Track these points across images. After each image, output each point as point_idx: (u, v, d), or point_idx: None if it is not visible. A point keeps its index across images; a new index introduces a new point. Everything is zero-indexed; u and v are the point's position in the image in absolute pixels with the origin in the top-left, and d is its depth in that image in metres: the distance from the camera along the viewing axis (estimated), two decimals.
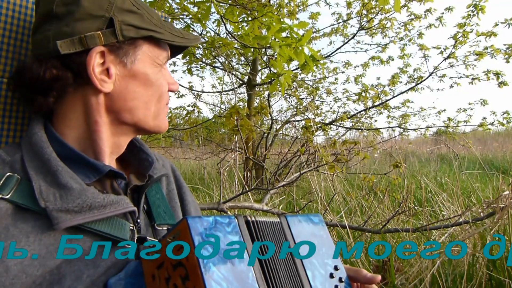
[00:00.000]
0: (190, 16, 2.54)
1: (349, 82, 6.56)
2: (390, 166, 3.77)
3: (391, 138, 6.35)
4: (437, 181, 4.36)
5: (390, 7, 5.09)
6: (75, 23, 0.63)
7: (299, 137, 4.81)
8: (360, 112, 5.74)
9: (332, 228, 2.42)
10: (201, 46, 3.92)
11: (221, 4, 2.25)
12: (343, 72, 6.52)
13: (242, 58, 5.82)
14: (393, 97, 5.80)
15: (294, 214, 0.82)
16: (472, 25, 4.44)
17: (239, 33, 2.68)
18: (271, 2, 4.42)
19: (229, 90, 6.59)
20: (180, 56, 3.70)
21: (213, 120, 6.95)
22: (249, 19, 2.27)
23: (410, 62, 7.05)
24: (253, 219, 0.59)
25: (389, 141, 6.21)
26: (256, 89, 5.41)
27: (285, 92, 4.88)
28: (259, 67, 5.47)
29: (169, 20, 1.04)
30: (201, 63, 5.29)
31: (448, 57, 4.92)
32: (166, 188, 0.82)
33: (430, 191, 3.37)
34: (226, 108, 6.87)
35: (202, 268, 0.48)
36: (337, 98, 6.34)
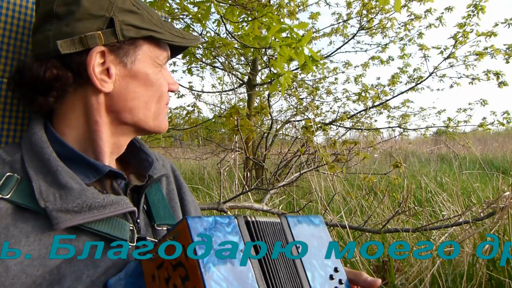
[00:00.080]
0: (190, 16, 2.54)
1: (349, 82, 6.57)
2: (390, 166, 3.78)
3: (391, 138, 6.36)
4: (437, 181, 4.36)
5: (390, 7, 5.09)
6: (75, 23, 0.63)
7: (299, 137, 4.81)
8: (360, 112, 5.75)
9: (332, 228, 2.42)
10: (201, 46, 3.92)
11: (221, 4, 2.25)
12: (343, 72, 6.53)
13: (242, 58, 5.82)
14: (393, 97, 5.81)
15: (294, 214, 0.82)
16: (472, 25, 4.45)
17: (239, 33, 2.68)
18: (271, 2, 4.42)
19: (229, 90, 6.60)
20: (180, 56, 3.70)
21: (213, 120, 6.95)
22: (249, 19, 2.27)
23: (410, 62, 7.07)
24: (253, 219, 0.59)
25: (389, 141, 6.21)
26: (256, 89, 5.41)
27: (285, 92, 4.88)
28: (259, 67, 5.47)
29: (169, 20, 1.04)
30: (201, 63, 5.30)
31: (448, 57, 4.93)
32: (166, 188, 0.82)
33: (430, 191, 3.37)
34: (226, 108, 6.87)
35: (202, 268, 0.48)
36: (337, 98, 6.34)
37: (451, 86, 5.50)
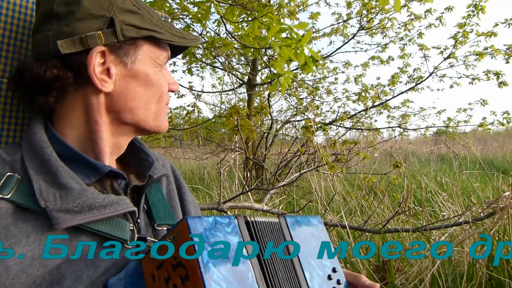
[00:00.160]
0: (190, 16, 2.54)
1: (349, 82, 6.57)
2: (390, 166, 3.78)
3: (391, 138, 6.36)
4: (437, 181, 4.36)
5: (390, 7, 5.09)
6: (75, 23, 0.63)
7: (299, 137, 4.81)
8: (360, 112, 5.75)
9: (332, 228, 2.43)
10: (201, 46, 3.92)
11: (221, 4, 2.25)
12: (343, 72, 6.53)
13: (242, 58, 5.82)
14: (393, 97, 5.81)
15: (294, 214, 0.83)
16: (472, 25, 4.45)
17: (239, 33, 2.68)
18: (271, 2, 4.42)
19: (229, 90, 6.60)
20: (180, 56, 3.70)
21: (213, 120, 6.96)
22: (249, 19, 2.27)
23: (410, 62, 7.06)
24: (253, 219, 0.59)
25: (389, 141, 6.22)
26: (256, 89, 5.41)
27: (285, 92, 4.88)
28: (259, 67, 5.47)
29: (169, 20, 1.04)
30: (201, 63, 5.30)
31: (448, 57, 4.93)
32: (166, 188, 0.82)
33: (430, 191, 3.37)
34: (226, 108, 6.87)
35: (201, 268, 0.48)
36: (337, 98, 6.34)
37: (451, 86, 5.50)
